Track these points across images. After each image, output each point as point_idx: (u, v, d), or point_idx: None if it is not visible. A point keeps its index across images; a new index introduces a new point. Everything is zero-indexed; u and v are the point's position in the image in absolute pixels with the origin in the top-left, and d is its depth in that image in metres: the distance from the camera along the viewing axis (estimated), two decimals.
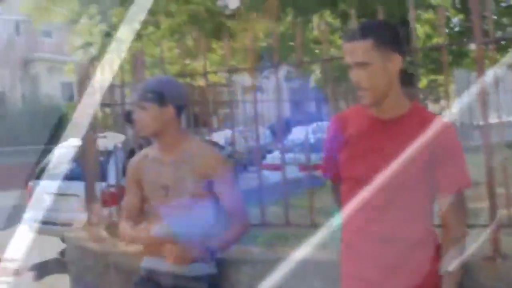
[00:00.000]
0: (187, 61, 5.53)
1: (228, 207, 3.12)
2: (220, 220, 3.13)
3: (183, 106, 3.20)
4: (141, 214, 3.32)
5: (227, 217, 3.13)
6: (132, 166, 3.37)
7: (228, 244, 3.23)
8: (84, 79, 5.81)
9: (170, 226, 3.01)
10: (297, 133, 11.13)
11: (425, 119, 2.51)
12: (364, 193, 2.52)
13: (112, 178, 5.57)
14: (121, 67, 5.24)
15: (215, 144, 5.07)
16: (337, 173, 2.69)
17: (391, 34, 2.50)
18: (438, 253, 2.53)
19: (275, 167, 8.16)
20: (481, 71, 3.23)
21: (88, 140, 5.85)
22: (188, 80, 5.50)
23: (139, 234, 3.11)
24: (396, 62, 2.48)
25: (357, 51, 2.45)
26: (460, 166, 2.50)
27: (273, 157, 10.68)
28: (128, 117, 4.95)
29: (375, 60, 2.44)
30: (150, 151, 3.31)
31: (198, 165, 3.09)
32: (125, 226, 3.25)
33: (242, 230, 3.19)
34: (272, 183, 5.60)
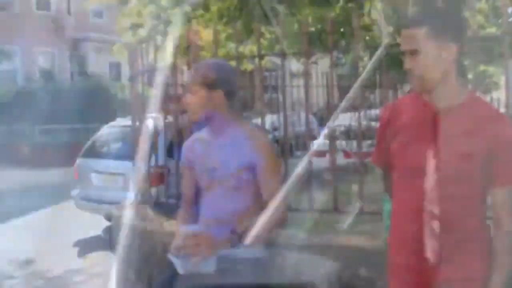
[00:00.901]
0: (236, 45, 5.53)
1: (267, 195, 3.08)
2: (257, 206, 3.11)
3: (233, 91, 3.21)
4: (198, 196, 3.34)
5: (265, 204, 3.09)
6: (185, 149, 3.40)
7: (263, 232, 3.16)
8: (135, 60, 5.89)
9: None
10: (343, 120, 11.05)
11: (481, 110, 2.48)
12: (416, 183, 2.50)
13: (160, 158, 5.62)
14: (174, 49, 5.27)
15: (261, 128, 5.07)
16: (388, 161, 2.66)
17: (448, 23, 2.46)
18: (489, 246, 2.50)
19: (320, 154, 8.13)
20: None
21: (137, 120, 5.93)
22: (236, 64, 5.50)
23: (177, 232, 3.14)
24: (451, 51, 2.43)
25: (411, 38, 2.43)
26: None
27: (318, 144, 10.63)
28: (177, 100, 4.99)
29: (428, 48, 2.41)
30: (202, 134, 3.34)
31: (245, 149, 3.09)
32: (179, 216, 3.32)
33: (279, 220, 3.11)
34: (317, 169, 5.58)
